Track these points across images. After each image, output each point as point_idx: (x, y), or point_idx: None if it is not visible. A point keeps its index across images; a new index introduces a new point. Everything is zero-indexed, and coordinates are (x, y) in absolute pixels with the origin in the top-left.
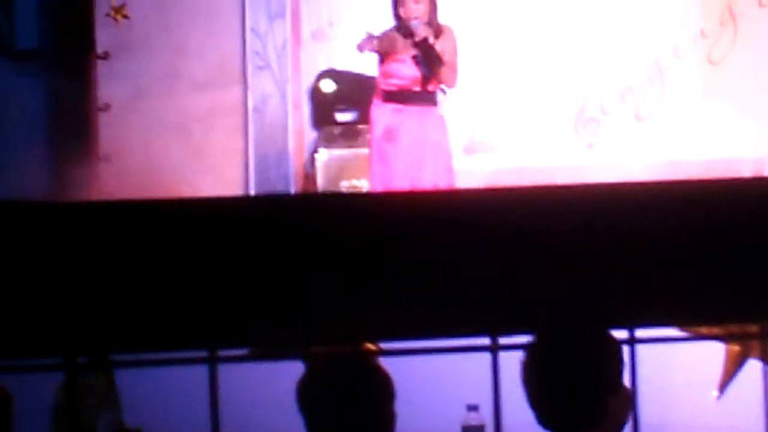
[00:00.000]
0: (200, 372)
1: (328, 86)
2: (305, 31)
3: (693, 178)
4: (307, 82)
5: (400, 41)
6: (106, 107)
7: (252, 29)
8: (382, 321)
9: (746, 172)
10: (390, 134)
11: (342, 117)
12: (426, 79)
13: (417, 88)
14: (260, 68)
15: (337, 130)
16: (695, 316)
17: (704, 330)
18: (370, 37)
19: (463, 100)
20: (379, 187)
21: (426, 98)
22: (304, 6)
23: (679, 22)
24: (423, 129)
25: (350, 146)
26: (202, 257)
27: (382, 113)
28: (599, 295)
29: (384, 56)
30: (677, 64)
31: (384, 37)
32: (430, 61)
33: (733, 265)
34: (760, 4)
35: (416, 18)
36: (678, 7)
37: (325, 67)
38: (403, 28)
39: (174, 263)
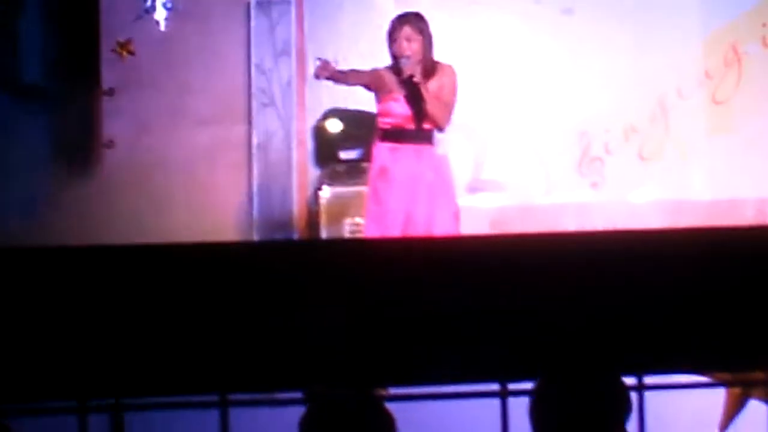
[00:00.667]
0: (210, 417)
1: (332, 124)
2: (310, 68)
3: (700, 226)
4: (312, 119)
5: (391, 79)
6: (111, 144)
7: (257, 66)
8: (389, 366)
9: (750, 212)
10: (383, 173)
11: (346, 155)
12: (419, 118)
13: (411, 127)
14: (265, 105)
15: (340, 167)
16: (702, 363)
17: (711, 376)
18: (325, 63)
19: (467, 139)
20: (373, 226)
21: (421, 136)
22: (310, 43)
23: (683, 63)
24: (418, 167)
25: (353, 184)
26: (210, 302)
27: (378, 152)
28: (607, 342)
29: (379, 95)
30: (681, 104)
31: (371, 74)
32: (414, 100)
33: (738, 313)
34: (765, 44)
35: (408, 56)
36: (682, 47)
37: (330, 105)
38: (394, 66)
39: (183, 308)
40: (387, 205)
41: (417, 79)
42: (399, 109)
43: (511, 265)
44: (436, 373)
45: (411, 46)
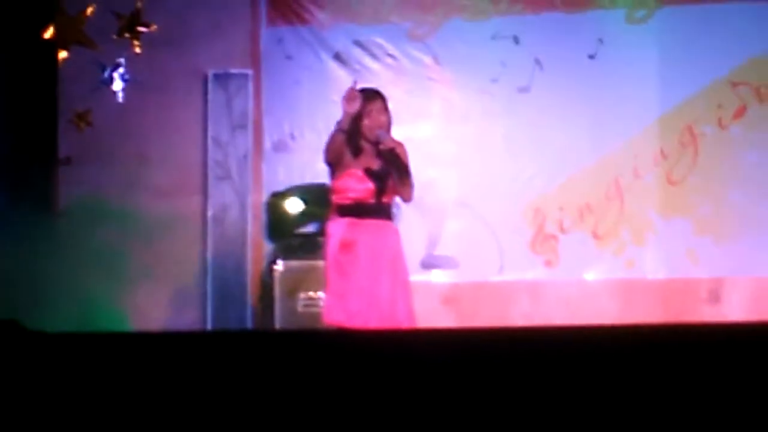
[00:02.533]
0: None
1: (287, 199)
2: (267, 142)
3: (662, 322)
4: (268, 193)
5: (348, 155)
6: (67, 213)
7: (213, 139)
8: None
9: (703, 292)
10: (347, 247)
11: (301, 229)
12: (380, 192)
13: (371, 201)
14: (221, 178)
15: (295, 241)
16: None
17: None
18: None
19: (421, 214)
20: (336, 301)
21: (381, 211)
22: (267, 118)
23: (639, 142)
24: (380, 241)
25: (308, 258)
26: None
27: (337, 227)
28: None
29: (337, 171)
30: (637, 183)
31: (333, 138)
32: (398, 171)
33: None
34: (721, 126)
35: (384, 129)
36: (639, 127)
37: (286, 179)
38: (362, 139)
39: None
40: (351, 279)
41: (398, 149)
42: (359, 184)
43: (472, 359)
44: None
45: (381, 119)
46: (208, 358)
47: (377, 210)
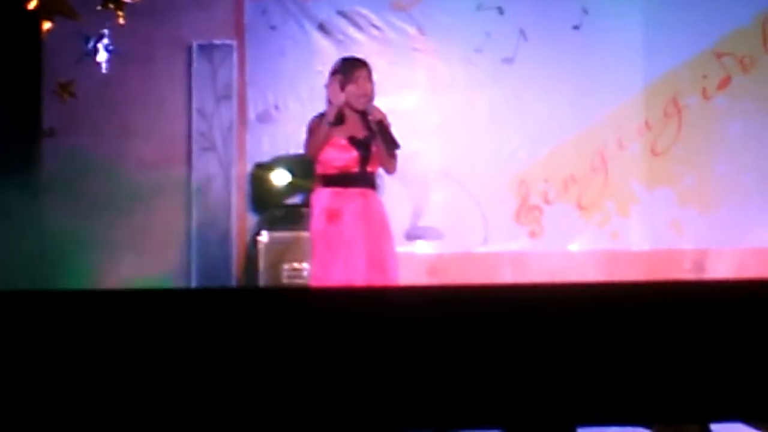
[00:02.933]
0: None
1: (272, 169)
2: (251, 113)
3: (639, 279)
4: (252, 164)
5: (331, 126)
6: (51, 184)
7: (198, 110)
8: (329, 414)
9: (687, 262)
10: (332, 216)
11: (285, 200)
12: (365, 161)
13: (356, 170)
14: (205, 149)
15: (279, 212)
16: (637, 414)
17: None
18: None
19: (406, 186)
20: (322, 271)
21: (365, 180)
22: (251, 89)
23: (624, 112)
24: (365, 210)
25: (292, 229)
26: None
27: (322, 197)
28: (544, 394)
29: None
30: (621, 154)
31: (319, 132)
32: (386, 143)
33: (675, 367)
34: (705, 96)
35: (370, 98)
36: (624, 98)
37: (270, 150)
38: (347, 109)
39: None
40: (337, 249)
41: (385, 120)
42: (344, 153)
43: (470, 317)
44: (379, 421)
45: (368, 87)
46: (188, 315)
47: (361, 179)
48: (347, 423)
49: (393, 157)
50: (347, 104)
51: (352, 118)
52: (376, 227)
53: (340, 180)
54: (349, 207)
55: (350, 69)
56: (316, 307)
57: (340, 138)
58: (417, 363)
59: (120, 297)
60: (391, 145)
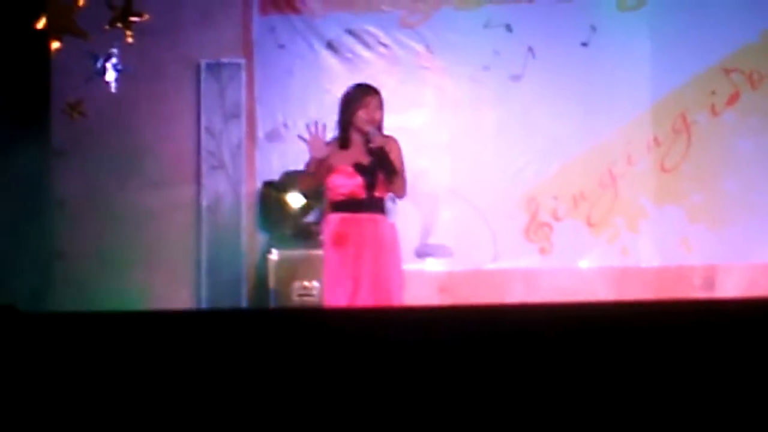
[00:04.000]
0: None
1: (282, 187)
2: (260, 131)
3: (651, 300)
4: (261, 182)
5: (337, 152)
6: (61, 203)
7: (206, 129)
8: None
9: (697, 279)
10: (339, 242)
11: (295, 218)
12: (371, 187)
13: (363, 196)
14: (214, 168)
15: (289, 231)
16: None
17: None
18: (316, 135)
19: (416, 203)
20: (332, 293)
21: (373, 205)
22: (259, 107)
23: (633, 130)
24: (372, 235)
25: (302, 247)
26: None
27: (332, 223)
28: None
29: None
30: (630, 170)
31: (326, 162)
32: (385, 169)
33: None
34: (714, 113)
35: (377, 125)
36: (632, 114)
37: (279, 167)
38: (354, 131)
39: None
40: (344, 273)
41: (387, 147)
42: (350, 180)
43: (467, 335)
44: None
45: (378, 115)
46: (202, 337)
47: (369, 204)
48: None
49: (398, 182)
50: (355, 127)
51: (357, 142)
52: (384, 252)
53: (348, 206)
54: (355, 232)
55: (362, 94)
56: (327, 328)
57: (346, 165)
58: (427, 383)
59: (131, 319)
60: (391, 172)
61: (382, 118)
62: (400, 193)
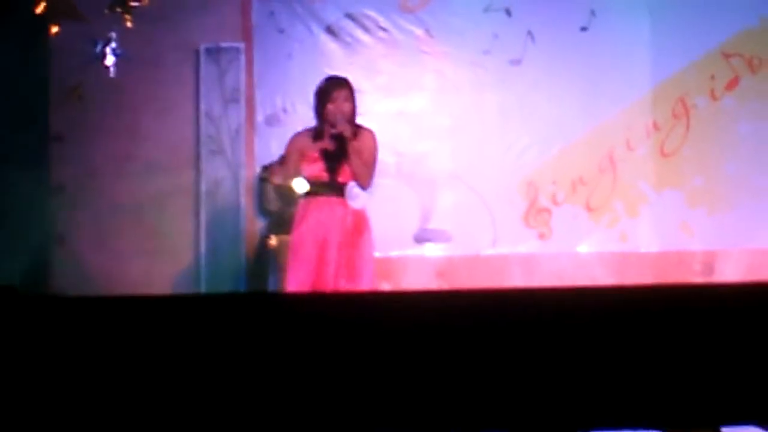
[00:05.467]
0: None
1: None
2: (259, 116)
3: (650, 283)
4: (260, 166)
5: (308, 141)
6: (60, 189)
7: (206, 113)
8: (335, 417)
9: (696, 264)
10: (299, 224)
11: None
12: (333, 170)
13: (324, 179)
14: (213, 152)
15: (288, 215)
16: (650, 420)
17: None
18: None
19: (414, 188)
20: (290, 276)
21: (333, 188)
22: (258, 92)
23: (632, 115)
24: (330, 218)
25: None
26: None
27: (301, 206)
28: (562, 399)
29: (302, 159)
30: (630, 155)
31: (297, 153)
32: (334, 155)
33: (686, 372)
34: (713, 97)
35: (343, 114)
36: (632, 99)
37: (278, 152)
38: (324, 121)
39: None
40: (301, 256)
41: (346, 133)
42: (316, 163)
43: (467, 320)
44: (384, 424)
45: (346, 105)
46: (201, 321)
47: (329, 187)
48: (356, 426)
49: (362, 171)
50: (326, 121)
51: (328, 133)
52: (343, 236)
53: (312, 189)
54: (312, 214)
55: (330, 89)
56: (326, 312)
57: (313, 152)
58: (425, 366)
59: (131, 303)
60: (344, 154)
61: (352, 110)
62: (364, 183)
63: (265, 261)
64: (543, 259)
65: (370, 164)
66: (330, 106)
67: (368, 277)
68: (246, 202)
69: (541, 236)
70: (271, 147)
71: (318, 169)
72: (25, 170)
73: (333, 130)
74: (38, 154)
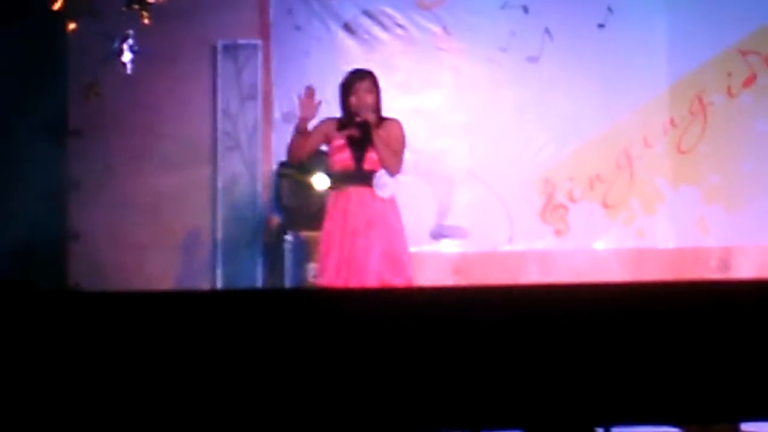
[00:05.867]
0: None
1: (296, 169)
2: (276, 113)
3: (665, 279)
4: (277, 163)
5: (334, 129)
6: (77, 185)
7: (223, 110)
8: (350, 415)
9: (713, 261)
10: (328, 215)
11: (310, 200)
12: (359, 158)
13: (351, 168)
14: (230, 149)
15: (304, 212)
16: (670, 415)
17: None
18: (309, 96)
19: (431, 185)
20: (320, 267)
21: (361, 177)
22: (276, 88)
23: (649, 110)
24: (359, 208)
25: (318, 228)
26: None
27: (330, 198)
28: (578, 393)
29: (329, 148)
30: (647, 152)
31: (322, 134)
32: (360, 143)
33: (706, 367)
34: (730, 95)
35: (367, 106)
36: (648, 96)
37: None
38: (350, 114)
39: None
40: (334, 248)
41: (371, 120)
42: (342, 152)
43: (486, 317)
44: (400, 422)
45: (369, 97)
46: (217, 317)
47: (356, 177)
48: (372, 423)
49: (390, 158)
50: (351, 112)
51: (353, 122)
52: (369, 224)
53: (339, 178)
54: (340, 205)
55: (352, 81)
56: (342, 308)
57: (340, 140)
58: (441, 363)
59: (147, 299)
60: (368, 142)
61: (375, 101)
62: (391, 170)
63: (281, 257)
64: (559, 256)
65: (398, 152)
66: (352, 99)
67: (407, 265)
68: (262, 198)
69: (558, 233)
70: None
71: (345, 158)
72: (43, 166)
73: (357, 119)
74: (55, 151)
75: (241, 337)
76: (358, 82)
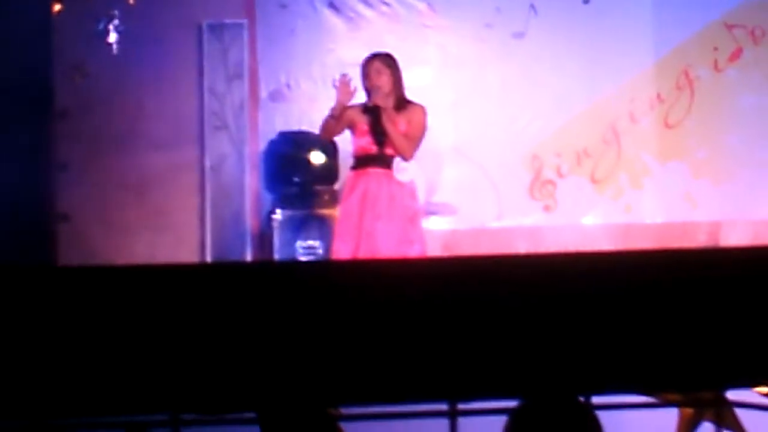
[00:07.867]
0: None
1: (285, 147)
2: (263, 92)
3: (651, 248)
4: (265, 142)
5: (359, 114)
6: (64, 166)
7: (210, 90)
8: (344, 386)
9: (701, 235)
10: (348, 194)
11: (298, 178)
12: (380, 142)
13: (373, 151)
14: (217, 128)
15: (293, 190)
16: (652, 383)
17: (661, 396)
18: (346, 82)
19: (420, 162)
20: (337, 244)
21: (381, 160)
22: (262, 68)
23: (636, 85)
24: (377, 189)
25: (306, 207)
26: (167, 323)
27: (348, 179)
28: (560, 362)
29: (353, 132)
30: (634, 127)
31: (348, 117)
32: (375, 127)
33: (690, 335)
34: (717, 69)
35: (378, 87)
36: (635, 71)
37: (282, 127)
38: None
39: (138, 328)
40: (348, 224)
41: (381, 104)
42: (364, 137)
43: (468, 287)
44: (388, 392)
45: (381, 78)
46: (206, 290)
47: (377, 160)
48: (364, 394)
49: (403, 144)
50: (371, 95)
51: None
52: (388, 206)
53: (361, 161)
54: (362, 186)
55: (364, 66)
56: (331, 280)
57: (363, 123)
58: (432, 334)
59: (135, 272)
60: (379, 127)
61: (389, 82)
62: (403, 155)
63: (270, 236)
64: (548, 231)
65: (412, 137)
66: (366, 82)
67: (422, 247)
68: (250, 177)
69: (546, 208)
70: (275, 122)
71: (367, 141)
72: (30, 147)
73: (368, 103)
74: (42, 132)
75: (228, 309)
76: (368, 66)
